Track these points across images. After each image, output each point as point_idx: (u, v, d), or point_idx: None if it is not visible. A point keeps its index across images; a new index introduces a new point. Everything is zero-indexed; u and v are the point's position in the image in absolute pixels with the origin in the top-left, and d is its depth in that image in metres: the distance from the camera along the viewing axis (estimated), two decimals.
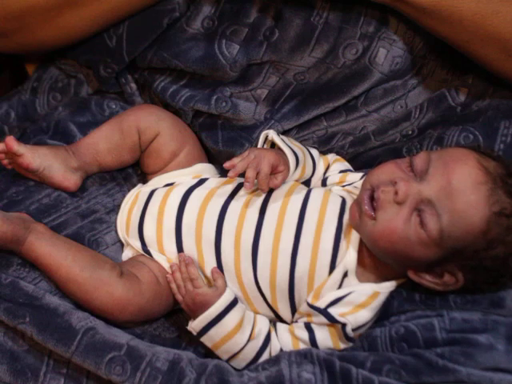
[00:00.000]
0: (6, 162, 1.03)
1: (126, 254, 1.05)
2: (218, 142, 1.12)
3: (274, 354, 0.96)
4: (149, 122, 1.08)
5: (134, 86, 1.17)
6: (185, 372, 0.86)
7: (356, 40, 1.06)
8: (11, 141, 1.00)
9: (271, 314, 1.00)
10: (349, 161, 1.10)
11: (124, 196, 1.09)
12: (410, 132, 1.09)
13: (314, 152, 1.07)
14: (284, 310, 0.99)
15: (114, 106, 1.17)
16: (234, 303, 0.96)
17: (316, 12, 1.06)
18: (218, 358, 0.96)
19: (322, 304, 0.94)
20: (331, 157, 1.10)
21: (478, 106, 1.06)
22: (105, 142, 1.08)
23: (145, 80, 1.16)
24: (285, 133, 1.10)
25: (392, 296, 0.96)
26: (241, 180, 1.00)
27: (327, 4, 1.05)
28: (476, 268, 0.89)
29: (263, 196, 0.99)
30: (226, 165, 0.96)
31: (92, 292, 0.94)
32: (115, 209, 1.07)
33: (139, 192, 1.07)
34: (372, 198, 0.91)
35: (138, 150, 1.10)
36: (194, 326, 0.96)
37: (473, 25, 0.97)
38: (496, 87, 1.06)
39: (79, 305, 0.96)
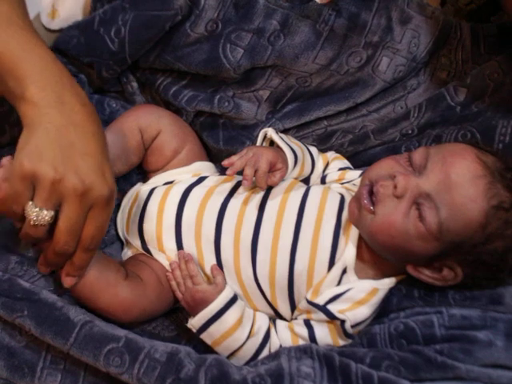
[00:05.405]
0: None
1: (126, 253, 1.05)
2: (219, 141, 1.13)
3: (273, 350, 0.96)
4: (149, 120, 1.08)
5: (135, 84, 1.17)
6: (183, 363, 0.85)
7: (360, 48, 1.07)
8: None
9: (271, 311, 1.00)
10: (348, 159, 1.11)
11: (124, 195, 1.09)
12: (410, 131, 1.09)
13: (313, 150, 1.08)
14: (283, 307, 0.99)
15: (114, 105, 1.16)
16: (233, 300, 0.96)
17: (322, 19, 1.06)
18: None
19: (321, 301, 0.94)
20: (330, 154, 1.10)
21: (477, 107, 1.06)
22: (111, 148, 1.06)
23: (146, 79, 1.16)
24: (284, 131, 1.11)
25: (391, 293, 0.96)
26: (240, 178, 1.00)
27: (333, 12, 1.06)
28: (475, 262, 0.89)
29: (262, 193, 1.00)
30: (225, 163, 0.97)
31: (98, 293, 0.93)
32: (115, 207, 1.06)
33: (139, 191, 1.07)
34: (371, 193, 0.92)
35: (143, 148, 1.09)
36: (194, 323, 0.95)
37: None
38: (495, 87, 1.05)
39: (78, 303, 0.95)
